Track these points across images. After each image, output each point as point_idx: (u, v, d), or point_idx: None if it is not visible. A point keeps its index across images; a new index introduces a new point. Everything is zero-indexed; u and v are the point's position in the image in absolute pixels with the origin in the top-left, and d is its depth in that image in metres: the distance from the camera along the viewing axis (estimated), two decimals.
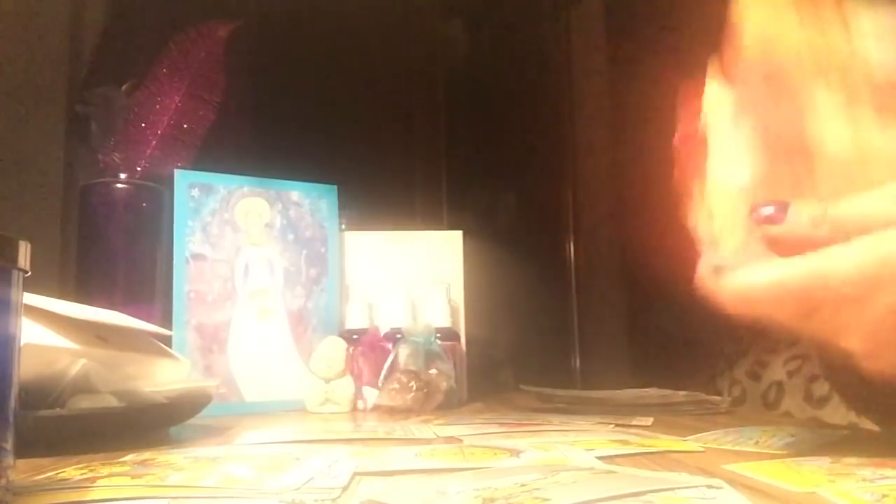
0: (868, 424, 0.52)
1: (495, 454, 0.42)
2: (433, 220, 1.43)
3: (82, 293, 0.82)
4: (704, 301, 0.36)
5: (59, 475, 0.36)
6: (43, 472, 0.36)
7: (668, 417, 0.66)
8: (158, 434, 0.55)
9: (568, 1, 1.54)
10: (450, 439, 0.51)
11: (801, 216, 0.34)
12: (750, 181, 0.37)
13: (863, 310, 0.32)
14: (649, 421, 0.61)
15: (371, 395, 0.81)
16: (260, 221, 0.86)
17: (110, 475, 0.35)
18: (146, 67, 0.90)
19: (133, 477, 0.35)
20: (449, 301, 0.90)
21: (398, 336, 0.84)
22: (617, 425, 0.58)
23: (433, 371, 0.79)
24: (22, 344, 0.30)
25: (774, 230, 0.34)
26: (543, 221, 1.51)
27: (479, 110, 1.55)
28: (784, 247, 0.34)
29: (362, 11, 1.38)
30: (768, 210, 0.34)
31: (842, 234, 0.33)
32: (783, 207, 0.34)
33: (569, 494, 0.29)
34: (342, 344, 0.82)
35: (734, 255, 0.35)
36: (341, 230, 0.92)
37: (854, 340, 0.33)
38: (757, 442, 0.47)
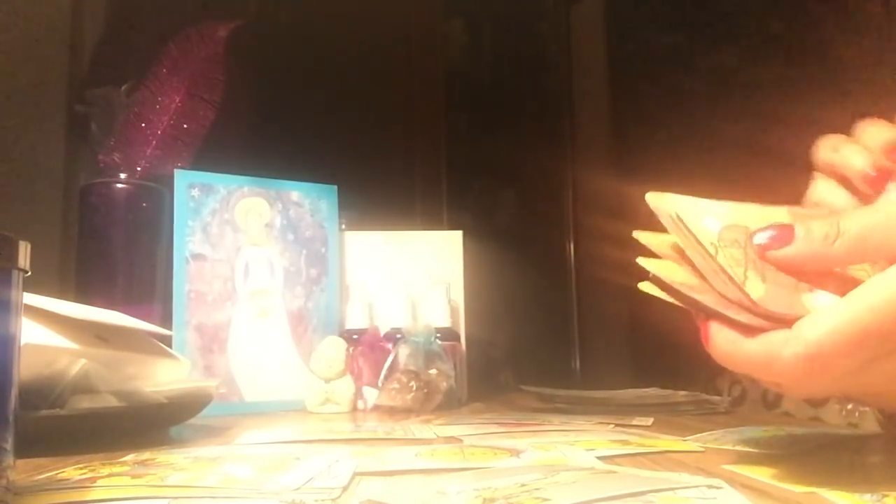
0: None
1: (495, 454, 0.42)
2: (433, 220, 1.43)
3: (82, 293, 0.82)
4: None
5: (59, 475, 0.36)
6: (43, 472, 0.36)
7: (668, 417, 0.66)
8: (158, 434, 0.55)
9: (568, 1, 1.54)
10: (450, 439, 0.51)
11: (812, 234, 0.31)
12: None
13: None
14: (649, 421, 0.61)
15: (371, 395, 0.81)
16: (260, 221, 0.86)
17: (110, 475, 0.35)
18: (146, 67, 0.90)
19: (133, 477, 0.35)
20: (449, 301, 0.89)
21: (398, 336, 0.84)
22: (617, 425, 0.58)
23: (433, 371, 0.79)
24: (22, 344, 0.30)
25: (783, 253, 0.31)
26: (543, 221, 1.50)
27: (479, 110, 1.55)
28: (794, 271, 0.31)
29: (362, 11, 1.38)
30: (771, 233, 0.31)
31: (859, 248, 0.30)
32: (787, 228, 0.31)
33: (569, 494, 0.29)
34: (342, 344, 0.82)
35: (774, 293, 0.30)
36: (341, 230, 0.92)
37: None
38: (757, 442, 0.47)
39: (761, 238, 0.32)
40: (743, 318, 0.31)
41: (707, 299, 0.31)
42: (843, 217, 0.31)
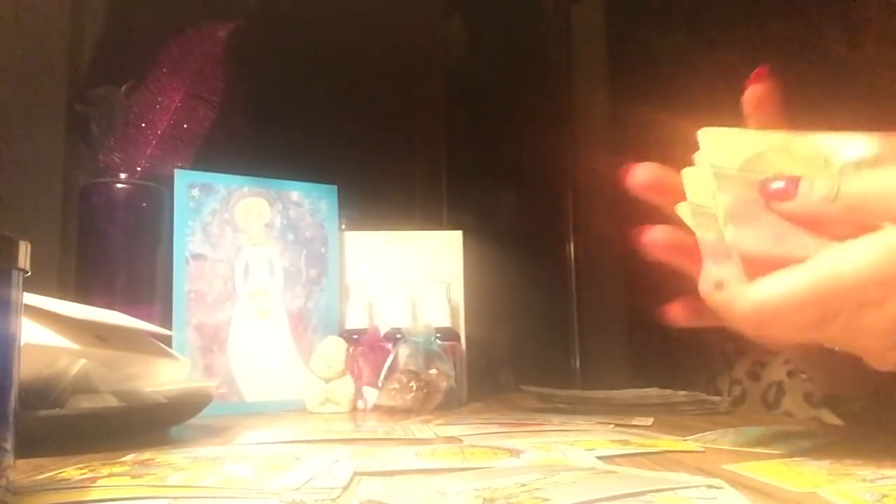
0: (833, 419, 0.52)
1: (495, 454, 0.42)
2: (433, 220, 1.43)
3: (82, 293, 0.82)
4: (713, 317, 0.36)
5: (59, 475, 0.36)
6: (43, 472, 0.36)
7: (668, 417, 0.66)
8: (158, 434, 0.55)
9: (568, 1, 1.54)
10: (450, 439, 0.51)
11: (813, 192, 0.33)
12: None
13: (878, 312, 0.31)
14: (649, 421, 0.61)
15: (371, 395, 0.81)
16: (260, 221, 0.86)
17: (110, 475, 0.35)
18: (146, 67, 0.90)
19: (133, 477, 0.35)
20: (449, 301, 0.89)
21: (398, 336, 0.84)
22: (617, 425, 0.58)
23: (433, 371, 0.79)
24: (22, 344, 0.30)
25: (785, 206, 0.34)
26: (543, 221, 1.50)
27: (479, 110, 1.55)
28: (795, 222, 0.33)
29: (362, 11, 1.38)
30: (778, 185, 0.34)
31: (854, 212, 0.32)
32: (794, 182, 0.33)
33: (569, 494, 0.29)
34: (342, 344, 0.82)
35: (754, 233, 0.34)
36: (341, 230, 0.92)
37: (869, 342, 0.33)
38: (757, 442, 0.47)
39: (768, 187, 0.34)
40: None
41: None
42: (846, 179, 0.33)
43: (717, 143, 0.36)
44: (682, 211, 0.38)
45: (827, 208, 0.33)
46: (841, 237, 0.32)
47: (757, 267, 0.33)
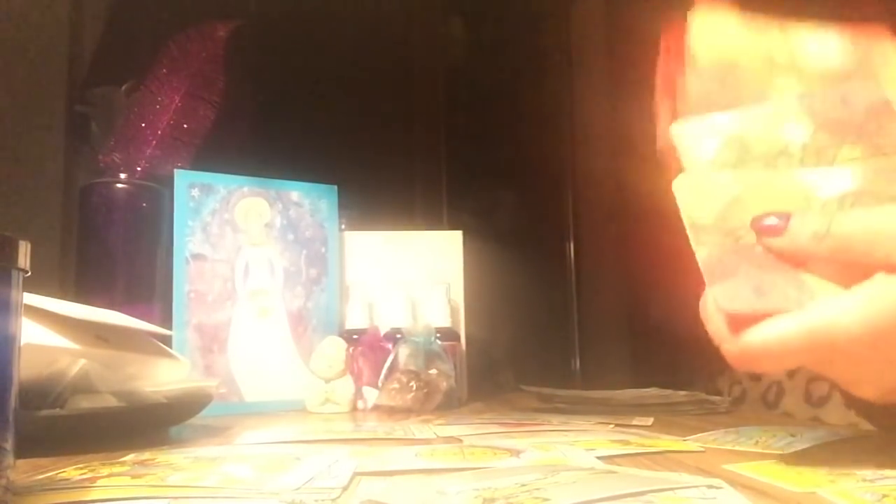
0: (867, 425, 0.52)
1: (495, 454, 0.42)
2: (433, 220, 1.43)
3: (82, 293, 0.82)
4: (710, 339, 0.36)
5: (59, 475, 0.36)
6: (43, 472, 0.36)
7: (668, 417, 0.66)
8: (158, 434, 0.55)
9: (568, 1, 1.54)
10: (450, 439, 0.51)
11: (803, 229, 0.33)
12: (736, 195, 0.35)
13: (872, 363, 0.32)
14: (649, 421, 0.61)
15: (371, 395, 0.81)
16: (260, 221, 0.86)
17: (110, 475, 0.35)
18: (146, 67, 0.90)
19: (133, 477, 0.35)
20: (449, 301, 0.89)
21: (398, 336, 0.84)
22: (617, 425, 0.58)
23: (433, 371, 0.79)
24: (22, 344, 0.30)
25: (775, 242, 0.34)
26: (543, 221, 1.50)
27: (479, 110, 1.55)
28: (785, 259, 0.33)
29: (362, 11, 1.38)
30: (770, 221, 0.34)
31: (844, 251, 0.32)
32: (785, 218, 0.33)
33: (569, 494, 0.29)
34: (342, 344, 0.82)
35: (732, 290, 0.34)
36: (341, 230, 0.92)
37: (866, 389, 0.34)
38: (757, 442, 0.47)
39: (761, 223, 0.34)
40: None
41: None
42: (838, 218, 0.33)
43: (692, 192, 0.36)
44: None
45: (816, 246, 0.33)
46: (827, 277, 0.33)
47: (738, 323, 0.33)
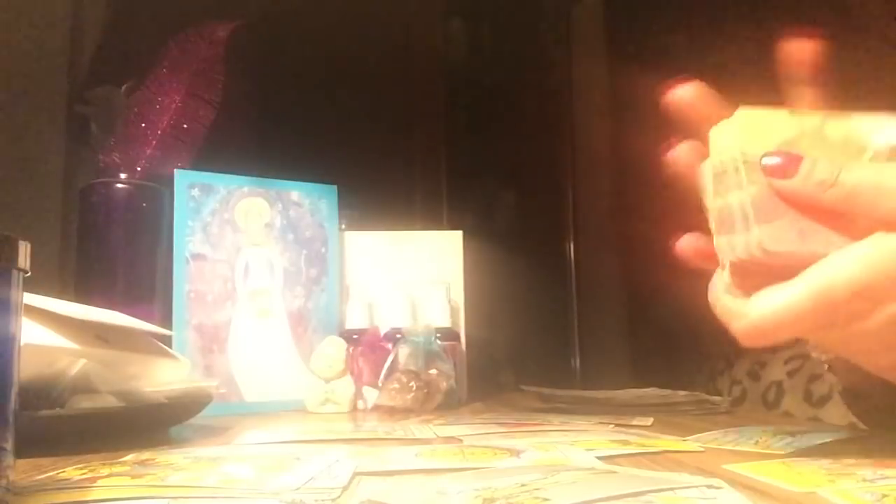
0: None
1: (495, 454, 0.42)
2: (433, 220, 1.43)
3: (82, 293, 0.82)
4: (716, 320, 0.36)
5: (59, 475, 0.36)
6: (43, 472, 0.36)
7: (668, 417, 0.66)
8: (158, 434, 0.55)
9: (568, 1, 1.54)
10: (450, 439, 0.51)
11: (813, 174, 0.33)
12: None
13: (869, 320, 0.32)
14: (649, 421, 0.61)
15: (371, 395, 0.81)
16: (260, 221, 0.86)
17: (110, 475, 0.35)
18: (146, 67, 0.90)
19: (133, 477, 0.35)
20: (449, 301, 0.89)
21: (398, 336, 0.84)
22: (617, 425, 0.58)
23: (433, 371, 0.79)
24: (22, 344, 0.30)
25: (784, 184, 0.33)
26: (543, 221, 1.50)
27: (479, 110, 1.55)
28: (792, 204, 0.33)
29: (362, 11, 1.38)
30: (776, 160, 0.33)
31: (849, 201, 0.32)
32: (795, 161, 0.33)
33: (569, 494, 0.29)
34: (342, 344, 0.82)
35: (778, 231, 0.34)
36: (341, 230, 0.92)
37: (861, 347, 0.34)
38: (757, 442, 0.47)
39: (768, 161, 0.34)
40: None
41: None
42: (847, 167, 0.33)
43: (750, 127, 0.35)
44: (704, 169, 0.37)
45: (824, 194, 0.32)
46: (861, 233, 0.32)
47: (781, 266, 0.33)
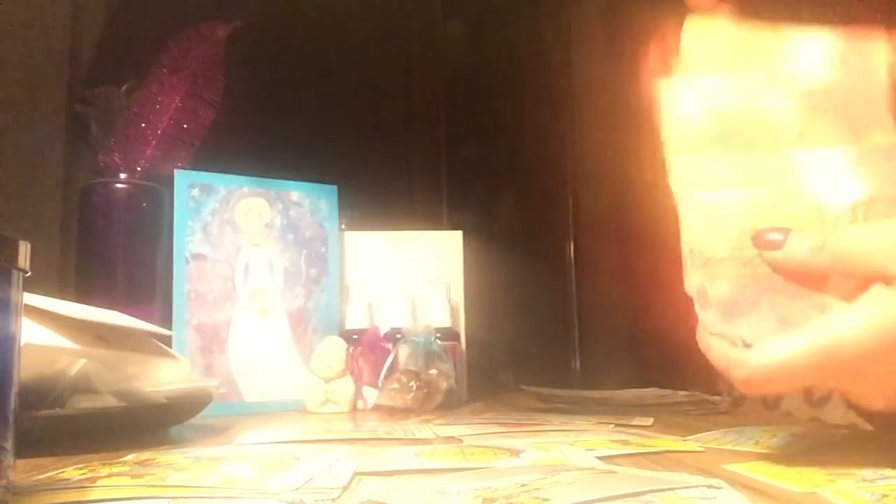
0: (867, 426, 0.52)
1: (495, 454, 0.42)
2: (433, 220, 1.43)
3: (82, 293, 0.82)
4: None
5: (59, 475, 0.36)
6: (43, 472, 0.36)
7: (668, 417, 0.66)
8: (158, 434, 0.55)
9: (568, 1, 1.54)
10: (450, 439, 0.51)
11: (801, 244, 0.33)
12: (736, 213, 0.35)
13: (880, 376, 0.32)
14: (649, 421, 0.61)
15: (371, 395, 0.81)
16: (260, 221, 0.86)
17: (110, 475, 0.35)
18: (146, 67, 0.90)
19: (133, 477, 0.35)
20: (449, 301, 0.89)
21: (398, 336, 0.84)
22: (617, 425, 0.58)
23: (433, 371, 0.79)
24: (22, 344, 0.30)
25: (775, 255, 0.34)
26: (543, 221, 1.50)
27: (479, 110, 1.55)
28: (784, 274, 0.34)
29: (362, 11, 1.38)
30: (775, 236, 0.34)
31: (840, 264, 0.33)
32: (784, 233, 0.34)
33: (569, 494, 0.29)
34: (342, 344, 0.82)
35: (756, 323, 0.34)
36: (341, 230, 0.92)
37: (876, 401, 0.34)
38: (757, 442, 0.47)
39: (763, 237, 0.34)
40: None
41: None
42: (834, 233, 0.33)
43: (703, 226, 0.36)
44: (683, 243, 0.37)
45: (813, 259, 0.33)
46: (836, 294, 0.33)
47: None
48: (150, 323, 0.65)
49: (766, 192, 0.35)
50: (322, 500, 0.30)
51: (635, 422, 0.61)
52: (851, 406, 0.48)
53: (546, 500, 0.28)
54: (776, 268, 0.34)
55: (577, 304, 1.46)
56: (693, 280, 0.37)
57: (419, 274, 0.92)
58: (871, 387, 0.34)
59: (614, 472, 0.36)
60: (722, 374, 0.36)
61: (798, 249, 0.33)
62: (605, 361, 1.40)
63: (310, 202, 0.89)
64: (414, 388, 0.76)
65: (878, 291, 0.32)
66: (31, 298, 0.43)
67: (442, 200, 1.49)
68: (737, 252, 0.35)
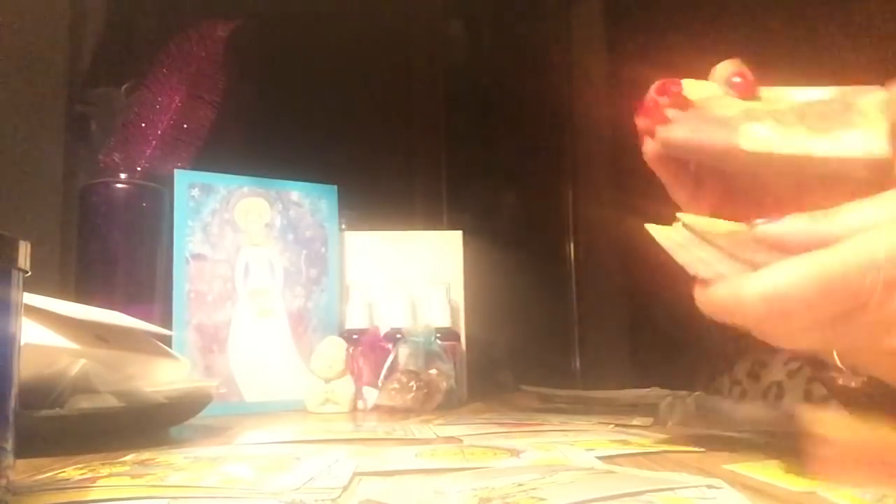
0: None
1: (495, 454, 0.42)
2: (433, 220, 1.43)
3: (82, 293, 0.82)
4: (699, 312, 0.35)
5: (59, 475, 0.36)
6: (43, 472, 0.36)
7: None
8: (158, 434, 0.55)
9: (568, 1, 1.54)
10: (450, 439, 0.51)
11: (798, 217, 0.32)
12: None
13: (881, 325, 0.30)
14: (649, 421, 0.61)
15: (371, 395, 0.81)
16: (260, 221, 0.86)
17: (110, 475, 0.35)
18: (146, 67, 0.90)
19: (133, 477, 0.35)
20: (449, 301, 0.90)
21: (398, 336, 0.84)
22: (617, 425, 0.58)
23: (433, 371, 0.79)
24: (22, 344, 0.30)
25: (772, 227, 0.32)
26: (543, 221, 1.50)
27: (479, 110, 1.55)
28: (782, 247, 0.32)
29: (362, 11, 1.38)
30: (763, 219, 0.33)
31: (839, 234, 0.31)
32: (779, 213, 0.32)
33: (565, 494, 0.29)
34: (342, 344, 0.82)
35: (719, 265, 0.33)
36: (341, 230, 0.92)
37: (886, 359, 0.32)
38: (757, 442, 0.47)
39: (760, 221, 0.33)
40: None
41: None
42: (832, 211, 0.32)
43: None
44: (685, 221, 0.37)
45: (816, 225, 0.31)
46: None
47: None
48: (150, 323, 0.66)
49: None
50: (322, 500, 0.30)
51: (635, 422, 0.61)
52: (830, 386, 0.47)
53: (542, 499, 0.28)
54: (776, 240, 0.31)
55: (577, 304, 1.46)
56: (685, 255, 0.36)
57: (419, 274, 0.92)
58: (867, 336, 0.30)
59: (613, 472, 0.36)
60: (728, 322, 0.32)
61: (798, 218, 0.31)
62: (605, 361, 1.40)
63: (310, 202, 0.89)
64: (414, 388, 0.76)
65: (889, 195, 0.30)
66: (31, 298, 0.43)
67: (442, 200, 1.49)
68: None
